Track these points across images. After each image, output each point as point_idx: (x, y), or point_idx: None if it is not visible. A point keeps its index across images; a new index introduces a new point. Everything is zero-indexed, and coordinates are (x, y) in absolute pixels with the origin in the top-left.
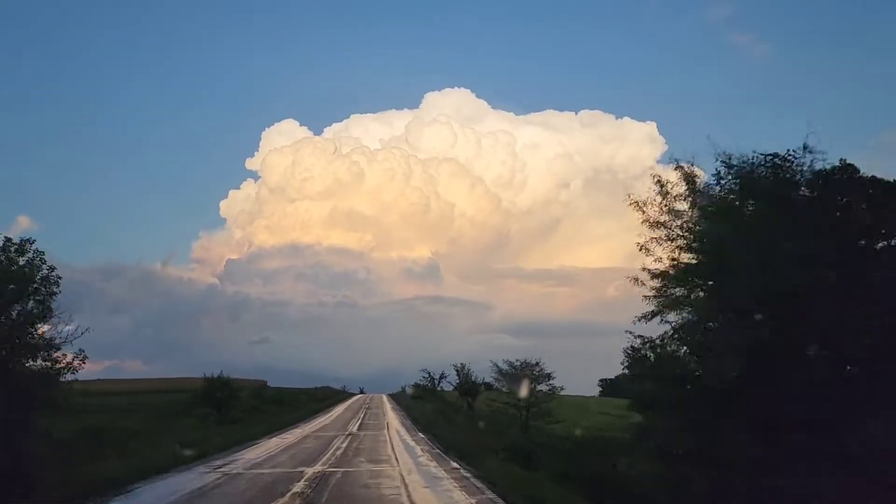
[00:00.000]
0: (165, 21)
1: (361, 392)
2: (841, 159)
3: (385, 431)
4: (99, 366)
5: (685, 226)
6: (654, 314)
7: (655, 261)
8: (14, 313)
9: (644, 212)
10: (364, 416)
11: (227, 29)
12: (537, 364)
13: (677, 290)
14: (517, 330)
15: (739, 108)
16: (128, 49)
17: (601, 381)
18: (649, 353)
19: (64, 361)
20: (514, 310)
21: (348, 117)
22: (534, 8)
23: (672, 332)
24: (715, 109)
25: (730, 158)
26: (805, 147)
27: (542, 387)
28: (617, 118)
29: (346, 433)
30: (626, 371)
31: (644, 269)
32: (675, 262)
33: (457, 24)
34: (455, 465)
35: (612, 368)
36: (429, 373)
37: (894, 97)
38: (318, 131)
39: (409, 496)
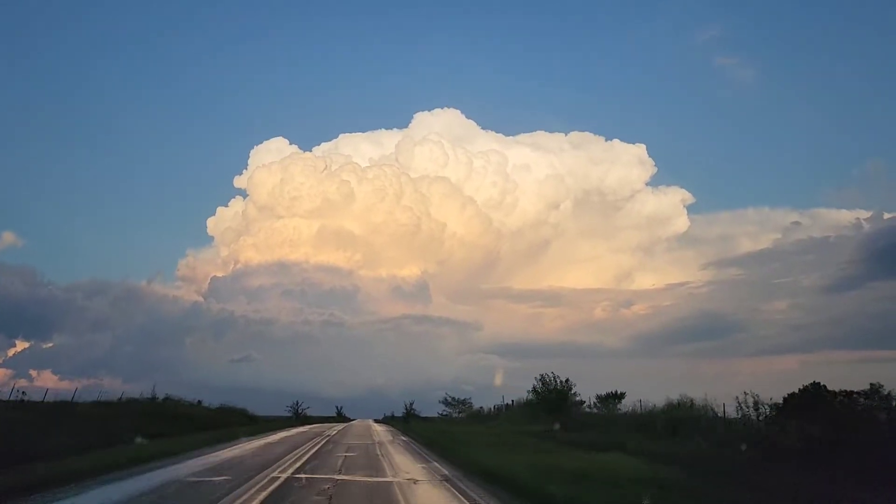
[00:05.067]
0: (153, 39)
1: (339, 414)
2: None
3: None
4: (78, 384)
5: None
6: None
7: None
8: None
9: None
10: None
11: (216, 48)
12: None
13: None
14: (504, 350)
15: (727, 131)
16: (116, 67)
17: None
18: None
19: None
20: (502, 330)
21: (337, 136)
22: (523, 29)
23: None
24: (703, 132)
25: None
26: None
27: None
28: (607, 140)
29: None
30: None
31: None
32: None
33: (445, 44)
34: None
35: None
36: None
37: (880, 124)
38: (307, 149)
39: None
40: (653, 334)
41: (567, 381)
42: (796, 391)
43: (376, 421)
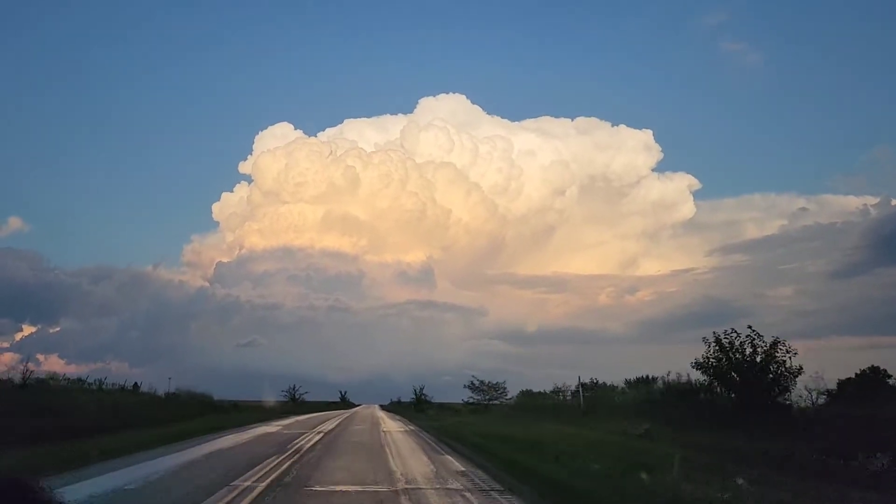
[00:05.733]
0: (158, 24)
1: (343, 399)
2: None
3: None
4: (85, 368)
5: None
6: None
7: None
8: None
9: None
10: None
11: (221, 33)
12: None
13: None
14: (508, 336)
15: (733, 117)
16: (120, 53)
17: None
18: None
19: None
20: (507, 316)
21: (342, 122)
22: (528, 14)
23: None
24: (710, 118)
25: None
26: None
27: None
28: (613, 125)
29: None
30: None
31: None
32: None
33: (450, 30)
34: None
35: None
36: None
37: (888, 111)
38: (312, 135)
39: None
40: (657, 320)
41: (775, 343)
42: (852, 376)
43: (383, 407)
